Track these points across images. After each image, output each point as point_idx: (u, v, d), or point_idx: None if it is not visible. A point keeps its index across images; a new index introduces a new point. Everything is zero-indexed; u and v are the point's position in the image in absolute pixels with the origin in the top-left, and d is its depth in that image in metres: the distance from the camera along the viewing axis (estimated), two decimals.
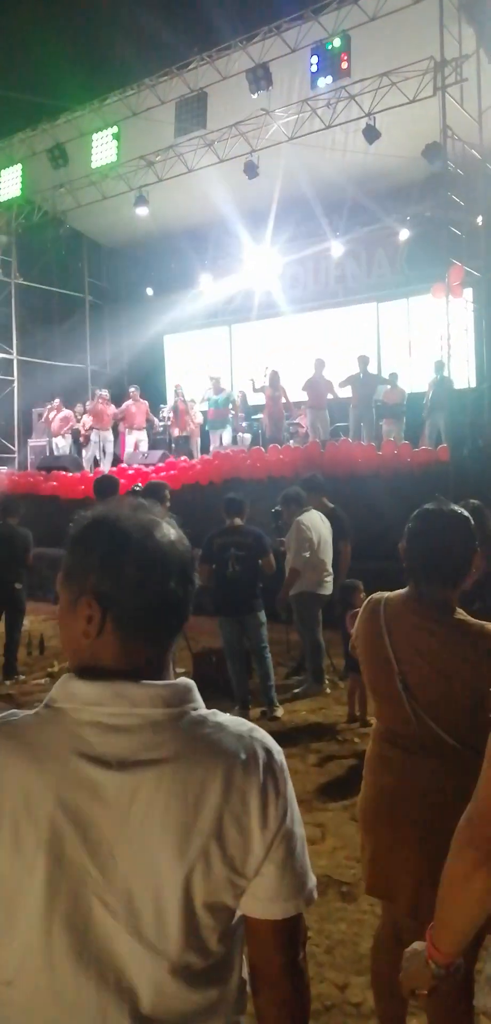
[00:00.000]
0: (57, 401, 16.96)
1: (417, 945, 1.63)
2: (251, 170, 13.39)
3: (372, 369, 14.24)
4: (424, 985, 1.59)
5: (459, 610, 2.35)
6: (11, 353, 18.22)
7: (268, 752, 1.24)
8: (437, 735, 2.26)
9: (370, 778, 2.48)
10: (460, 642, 2.27)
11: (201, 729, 1.21)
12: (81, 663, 1.21)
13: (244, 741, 1.23)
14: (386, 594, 2.47)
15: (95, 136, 14.49)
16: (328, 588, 7.39)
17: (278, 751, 1.27)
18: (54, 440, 16.87)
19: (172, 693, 1.21)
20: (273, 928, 1.25)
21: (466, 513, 2.37)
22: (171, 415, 16.26)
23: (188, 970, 1.17)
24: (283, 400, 14.58)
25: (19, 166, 15.73)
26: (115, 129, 14.24)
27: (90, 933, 1.13)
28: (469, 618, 2.33)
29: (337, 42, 11.61)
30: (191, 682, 1.25)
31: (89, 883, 1.13)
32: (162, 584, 1.22)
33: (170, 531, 1.26)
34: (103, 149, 14.49)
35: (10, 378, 18.24)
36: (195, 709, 1.23)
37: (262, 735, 1.27)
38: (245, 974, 1.30)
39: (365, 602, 2.55)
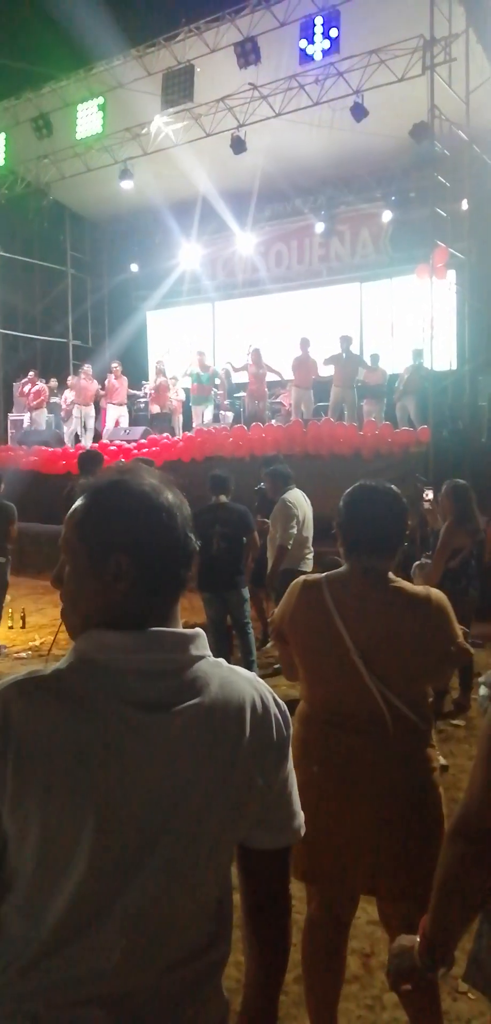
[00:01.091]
0: (32, 374, 16.81)
1: (405, 940, 1.60)
2: (238, 145, 13.27)
3: (354, 349, 14.24)
4: (414, 980, 1.56)
5: (395, 577, 2.41)
6: None
7: (274, 697, 1.34)
8: (396, 708, 2.29)
9: (306, 763, 2.36)
10: (407, 608, 2.34)
11: (221, 672, 1.29)
12: (102, 618, 1.24)
13: (254, 683, 1.33)
14: (322, 575, 2.48)
15: (80, 107, 14.31)
16: (309, 565, 7.42)
17: (278, 696, 1.37)
18: (30, 414, 16.69)
19: (194, 639, 1.27)
20: (275, 857, 1.37)
21: (398, 490, 2.47)
22: (152, 392, 16.20)
23: (208, 901, 1.28)
24: (268, 377, 14.63)
25: (2, 135, 15.51)
26: (101, 100, 14.07)
27: (134, 877, 1.18)
28: (407, 584, 2.43)
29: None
30: (202, 631, 1.31)
31: (139, 826, 1.18)
32: (182, 536, 1.28)
33: (173, 488, 1.33)
34: (88, 120, 14.33)
35: None
36: (210, 655, 1.31)
37: (262, 681, 1.37)
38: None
39: (296, 586, 2.52)
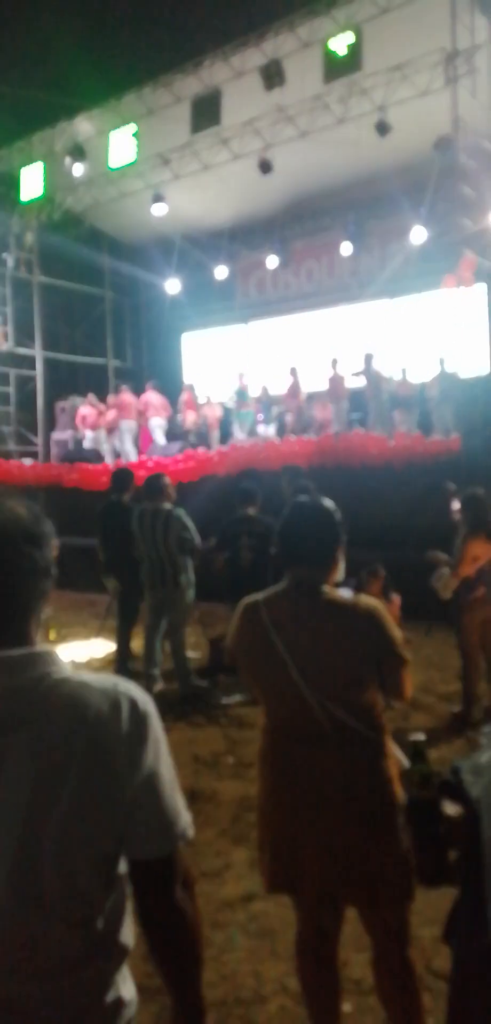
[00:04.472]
0: (91, 396, 17.31)
1: None
2: (265, 166, 13.49)
3: (385, 363, 14.42)
4: None
5: (330, 589, 2.47)
6: (34, 349, 18.54)
7: (132, 701, 1.31)
8: (339, 719, 2.35)
9: (266, 772, 2.52)
10: (336, 617, 2.41)
11: (63, 688, 1.27)
12: None
13: (108, 694, 1.30)
14: (260, 596, 2.54)
15: (113, 134, 14.62)
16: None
17: (143, 700, 1.34)
18: (92, 434, 17.09)
19: (28, 659, 1.27)
20: (148, 868, 1.34)
21: (331, 506, 2.56)
22: (183, 409, 16.66)
23: (75, 917, 1.26)
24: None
25: (39, 164, 15.89)
26: (134, 128, 14.33)
27: None
28: (339, 594, 2.48)
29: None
30: (50, 648, 1.31)
31: None
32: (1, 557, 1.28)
33: (6, 505, 1.32)
34: (121, 147, 14.61)
35: (33, 373, 18.57)
36: (62, 673, 1.29)
37: (127, 687, 1.34)
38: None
39: (239, 608, 2.60)
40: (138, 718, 1.31)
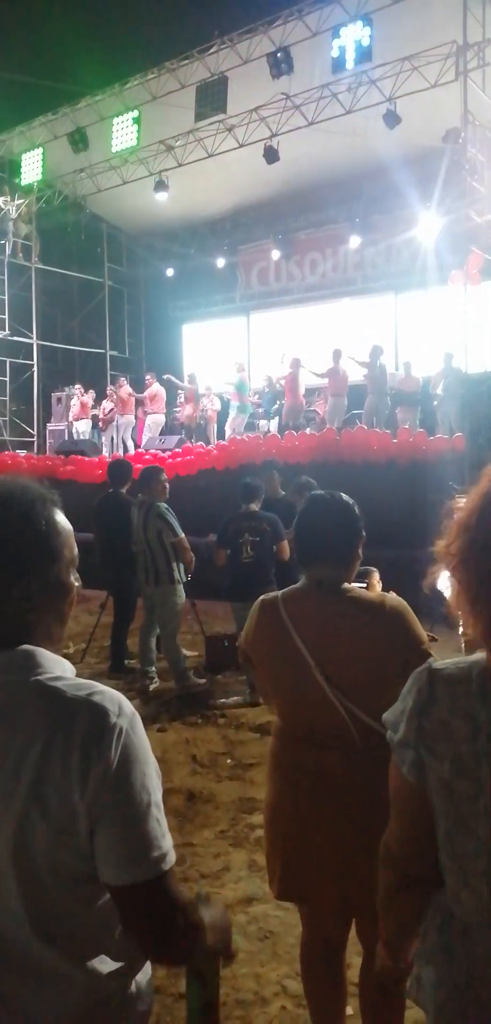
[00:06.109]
0: (78, 387, 17.11)
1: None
2: (271, 155, 13.35)
3: (389, 358, 14.20)
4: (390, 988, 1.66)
5: (350, 586, 2.37)
6: (31, 337, 18.31)
7: (100, 712, 1.20)
8: (363, 723, 2.24)
9: (277, 777, 2.42)
10: (361, 616, 2.29)
11: (30, 694, 1.21)
12: None
13: (75, 704, 1.20)
14: (279, 593, 2.45)
15: (115, 120, 14.48)
16: None
17: (116, 713, 1.22)
18: (75, 425, 16.96)
19: (7, 661, 1.23)
20: (117, 893, 1.23)
21: (350, 500, 2.44)
22: (183, 402, 16.45)
23: (49, 930, 1.21)
24: (309, 382, 14.84)
25: (40, 150, 15.75)
26: (135, 113, 14.23)
27: None
28: (363, 592, 2.39)
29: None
30: (33, 648, 1.25)
31: None
32: None
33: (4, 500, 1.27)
34: (123, 133, 14.49)
35: (30, 362, 18.33)
36: (36, 676, 1.23)
37: (103, 698, 1.22)
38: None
39: (255, 606, 2.50)
40: (102, 731, 1.19)
